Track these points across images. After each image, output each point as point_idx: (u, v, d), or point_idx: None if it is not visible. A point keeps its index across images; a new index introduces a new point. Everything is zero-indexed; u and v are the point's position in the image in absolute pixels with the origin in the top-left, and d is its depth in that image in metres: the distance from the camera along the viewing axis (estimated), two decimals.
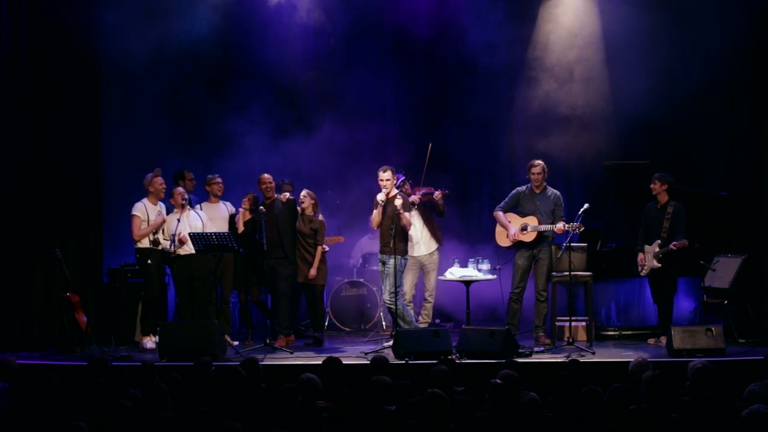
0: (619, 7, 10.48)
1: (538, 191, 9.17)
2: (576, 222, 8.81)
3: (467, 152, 11.61)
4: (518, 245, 9.15)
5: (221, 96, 11.06)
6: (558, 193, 9.22)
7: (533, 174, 9.15)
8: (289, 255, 9.33)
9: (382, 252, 9.06)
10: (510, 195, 9.35)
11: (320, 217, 9.35)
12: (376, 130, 11.37)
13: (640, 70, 10.30)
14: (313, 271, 9.25)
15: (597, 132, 10.49)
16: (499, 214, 9.30)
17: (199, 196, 9.95)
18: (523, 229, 9.07)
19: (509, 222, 9.19)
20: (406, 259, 9.19)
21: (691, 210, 9.37)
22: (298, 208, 9.40)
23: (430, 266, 9.72)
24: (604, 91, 10.58)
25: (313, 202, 9.32)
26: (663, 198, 9.11)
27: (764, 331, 9.11)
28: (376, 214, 9.03)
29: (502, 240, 9.30)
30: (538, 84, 10.80)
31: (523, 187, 9.30)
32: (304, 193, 9.31)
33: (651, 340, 9.17)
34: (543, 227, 8.97)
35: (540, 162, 9.22)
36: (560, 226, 8.86)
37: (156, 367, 6.82)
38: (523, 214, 9.17)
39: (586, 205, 8.91)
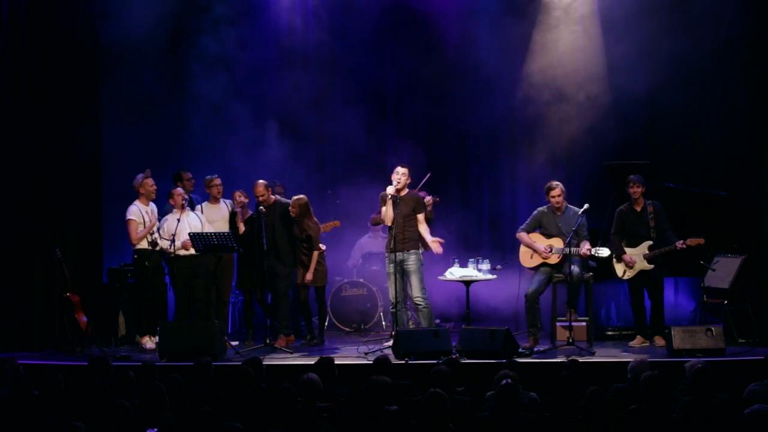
0: (619, 9, 10.49)
1: (559, 213, 9.02)
2: (583, 228, 8.84)
3: (467, 151, 11.61)
4: (543, 264, 9.02)
5: (222, 87, 11.04)
6: (579, 210, 9.00)
7: (552, 197, 8.94)
8: (284, 258, 9.32)
9: (393, 251, 8.91)
10: (531, 216, 9.16)
11: (314, 221, 9.30)
12: (375, 126, 11.42)
13: (640, 70, 10.30)
14: (309, 276, 9.24)
15: (597, 132, 10.48)
16: (523, 235, 9.09)
17: (201, 196, 9.94)
18: (549, 252, 8.91)
19: (534, 241, 9.02)
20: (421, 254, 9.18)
21: (691, 210, 9.37)
22: None
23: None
24: (604, 91, 10.57)
25: (298, 211, 9.17)
26: (642, 202, 9.08)
27: (764, 331, 9.11)
28: (388, 209, 8.95)
29: (526, 261, 9.13)
30: (538, 84, 10.79)
31: (544, 208, 9.12)
32: (291, 202, 9.23)
33: (633, 343, 9.09)
34: (568, 249, 8.74)
35: (558, 184, 9.00)
36: (585, 250, 8.70)
37: (156, 367, 6.84)
38: (547, 236, 9.02)
39: (586, 206, 8.91)
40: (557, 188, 8.97)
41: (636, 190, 9.04)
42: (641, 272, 9.03)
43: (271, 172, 10.66)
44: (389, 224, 9.01)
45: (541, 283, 8.92)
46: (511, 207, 11.47)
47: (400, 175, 8.97)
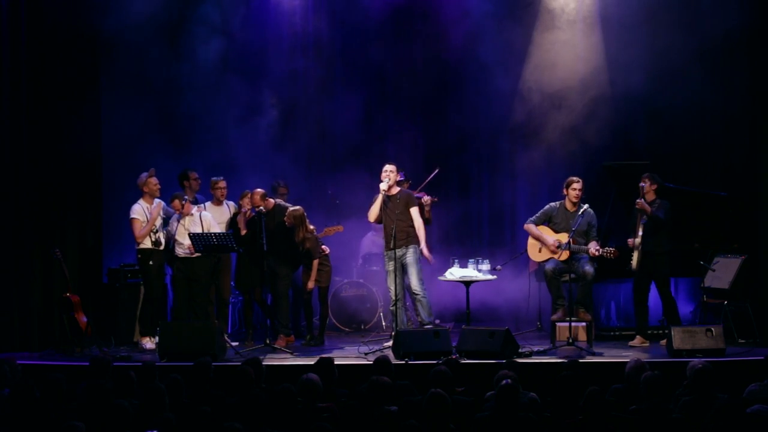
0: (619, 9, 10.49)
1: (572, 209, 9.05)
2: (593, 230, 8.89)
3: (467, 151, 11.60)
4: (551, 260, 9.05)
5: (222, 77, 11.03)
6: (592, 212, 9.04)
7: (574, 190, 9.03)
8: (285, 259, 9.28)
9: (393, 248, 8.93)
10: (542, 210, 9.24)
11: (310, 230, 9.24)
12: (375, 125, 11.42)
13: (640, 70, 10.31)
14: (310, 284, 9.31)
15: (597, 132, 10.48)
16: (531, 226, 9.19)
17: (205, 196, 9.93)
18: (557, 247, 8.93)
19: (543, 233, 9.10)
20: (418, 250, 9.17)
21: (691, 210, 9.36)
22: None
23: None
24: (604, 92, 10.57)
25: (293, 222, 9.14)
26: (650, 197, 9.09)
27: (764, 331, 9.11)
28: (375, 206, 9.04)
29: (535, 255, 9.22)
30: (538, 84, 10.79)
31: (557, 204, 9.19)
32: (287, 213, 9.18)
33: (633, 342, 9.09)
34: (576, 248, 8.81)
35: (581, 180, 9.10)
36: (593, 249, 8.75)
37: (156, 367, 6.84)
38: (557, 231, 9.07)
39: (585, 205, 8.92)
40: (581, 182, 9.07)
41: (642, 185, 9.05)
42: (648, 270, 9.00)
43: (269, 162, 10.73)
44: (372, 221, 9.23)
45: (558, 263, 8.92)
46: (510, 207, 11.47)
47: (388, 172, 9.03)
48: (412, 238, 9.07)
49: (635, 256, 8.97)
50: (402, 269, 9.05)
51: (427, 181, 10.02)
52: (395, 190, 9.12)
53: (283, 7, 11.35)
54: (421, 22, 11.38)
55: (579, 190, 9.06)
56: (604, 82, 10.61)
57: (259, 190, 9.31)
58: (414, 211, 9.09)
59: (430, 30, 11.33)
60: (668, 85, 10.29)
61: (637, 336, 9.11)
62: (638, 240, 8.96)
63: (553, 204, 9.25)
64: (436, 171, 10.12)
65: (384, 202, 9.06)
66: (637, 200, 8.96)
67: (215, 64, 10.87)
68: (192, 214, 9.31)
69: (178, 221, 9.26)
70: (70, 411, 5.66)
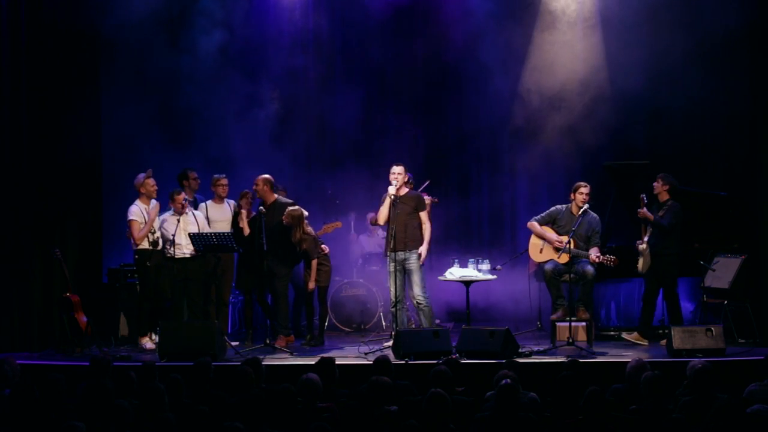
0: (619, 9, 10.49)
1: (578, 213, 8.98)
2: (596, 236, 8.89)
3: (467, 151, 11.60)
4: (551, 260, 9.02)
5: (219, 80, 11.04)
6: (597, 217, 9.03)
7: (581, 195, 8.96)
8: (283, 258, 9.26)
9: (394, 249, 8.89)
10: (548, 211, 9.17)
11: (308, 231, 9.21)
12: (375, 123, 11.42)
13: (640, 70, 10.32)
14: (311, 285, 9.28)
15: (597, 132, 10.49)
16: (535, 224, 9.12)
17: (205, 196, 9.93)
18: (557, 249, 8.91)
19: (546, 231, 9.04)
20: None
21: (692, 210, 9.36)
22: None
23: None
24: (604, 92, 10.57)
25: (291, 222, 9.10)
26: (663, 198, 9.12)
27: (764, 331, 9.11)
28: (383, 208, 9.00)
29: (536, 255, 9.15)
30: (538, 84, 10.80)
31: (563, 207, 9.13)
32: (285, 212, 9.11)
33: (630, 336, 9.15)
34: (577, 252, 8.78)
35: (588, 185, 9.04)
36: (593, 256, 8.72)
37: (156, 367, 6.85)
38: (560, 233, 9.01)
39: (585, 206, 8.92)
40: (588, 187, 9.02)
41: (654, 185, 9.09)
42: (656, 270, 9.00)
43: (269, 159, 10.70)
44: (381, 223, 9.14)
45: (558, 264, 8.91)
46: (510, 207, 11.47)
47: (396, 174, 8.98)
48: (414, 242, 8.99)
49: (641, 260, 8.97)
50: (404, 272, 9.02)
51: (419, 190, 10.00)
52: (403, 191, 9.08)
53: (284, 3, 11.37)
54: (422, 21, 11.40)
55: (586, 195, 9.00)
56: (604, 82, 10.62)
57: (263, 176, 9.25)
58: (423, 215, 9.05)
59: (430, 29, 11.33)
60: (668, 85, 10.29)
61: (636, 332, 9.11)
62: (644, 245, 8.97)
63: (559, 207, 9.20)
64: (427, 183, 10.07)
65: (392, 203, 9.01)
66: (638, 210, 8.95)
67: (215, 59, 10.85)
68: (186, 213, 9.31)
69: (178, 222, 9.23)
70: (70, 411, 5.66)
